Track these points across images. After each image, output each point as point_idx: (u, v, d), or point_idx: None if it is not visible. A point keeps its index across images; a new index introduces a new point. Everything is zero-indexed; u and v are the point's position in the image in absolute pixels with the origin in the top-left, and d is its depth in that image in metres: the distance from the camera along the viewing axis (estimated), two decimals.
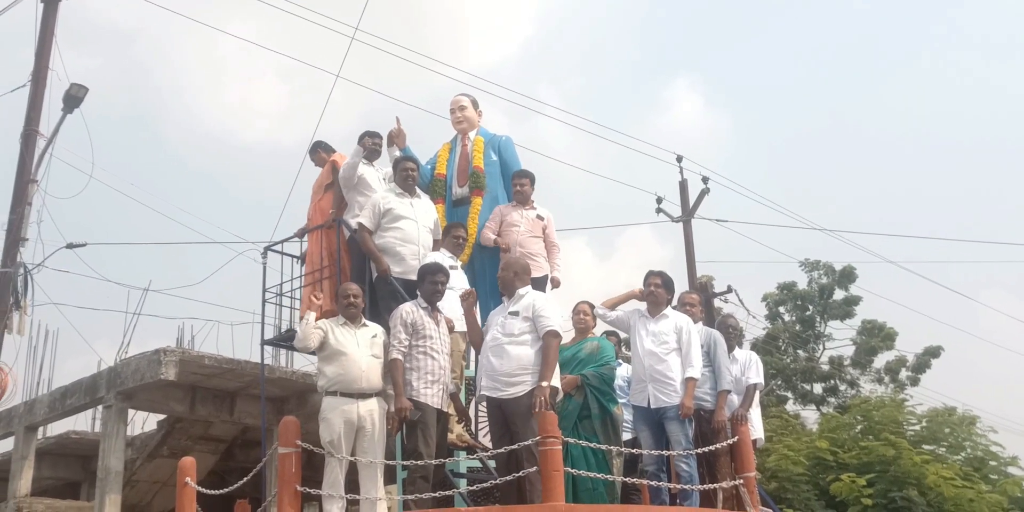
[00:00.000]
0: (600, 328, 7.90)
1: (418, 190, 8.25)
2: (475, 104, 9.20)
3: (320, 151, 9.18)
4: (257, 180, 53.90)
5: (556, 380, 6.51)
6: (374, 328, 6.78)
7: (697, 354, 7.01)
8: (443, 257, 7.61)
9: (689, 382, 6.88)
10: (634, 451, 6.84)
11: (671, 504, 6.84)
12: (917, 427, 15.23)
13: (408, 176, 8.05)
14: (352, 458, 6.31)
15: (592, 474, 6.36)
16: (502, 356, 6.46)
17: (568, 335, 7.63)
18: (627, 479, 6.78)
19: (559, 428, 6.73)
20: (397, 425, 6.41)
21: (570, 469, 6.10)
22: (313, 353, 6.79)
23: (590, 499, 6.65)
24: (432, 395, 6.43)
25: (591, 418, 6.98)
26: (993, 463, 14.64)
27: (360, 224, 7.86)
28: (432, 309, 6.76)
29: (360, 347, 6.54)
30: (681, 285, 7.81)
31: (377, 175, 8.50)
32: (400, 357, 6.43)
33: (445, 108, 9.24)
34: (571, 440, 6.40)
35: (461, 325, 7.21)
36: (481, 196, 8.73)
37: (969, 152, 53.99)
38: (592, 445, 6.56)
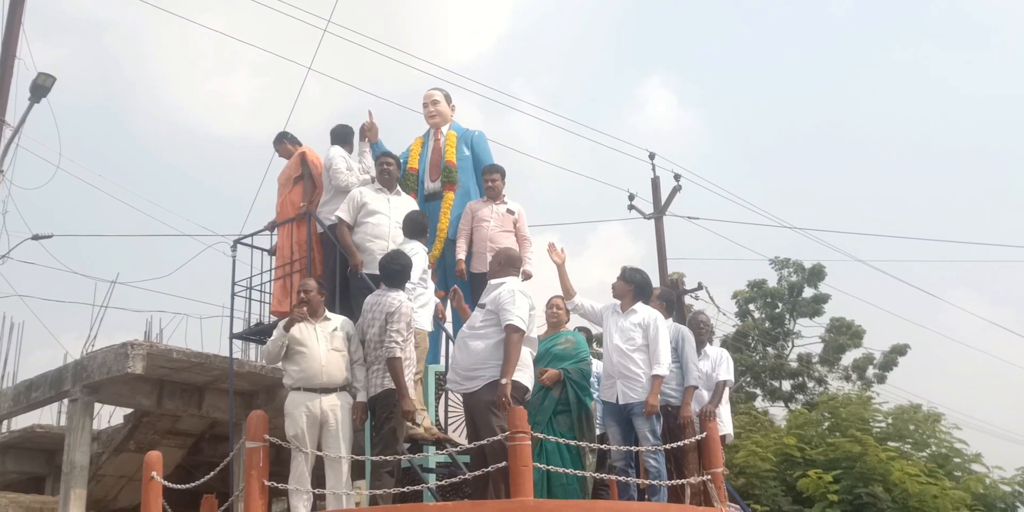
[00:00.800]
0: (574, 322, 7.90)
1: (399, 187, 8.19)
2: (448, 99, 9.18)
3: (286, 142, 9.07)
4: (228, 173, 53.54)
5: (527, 378, 6.46)
6: (336, 321, 6.71)
7: (665, 350, 6.90)
8: (423, 254, 7.53)
9: (655, 380, 6.79)
10: (603, 447, 6.85)
11: (639, 500, 6.86)
12: (883, 424, 15.41)
13: (384, 170, 7.99)
14: (317, 452, 6.28)
15: (562, 469, 6.34)
16: (463, 350, 6.45)
17: (542, 329, 7.62)
18: (595, 474, 6.78)
19: (535, 422, 6.75)
20: (362, 417, 6.41)
21: (539, 465, 6.11)
22: None
23: (564, 494, 6.64)
24: (412, 387, 6.44)
25: (568, 412, 6.98)
26: (957, 460, 14.85)
27: (338, 217, 7.81)
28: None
29: (320, 342, 6.48)
30: (653, 282, 7.71)
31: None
32: (402, 355, 6.34)
33: (420, 103, 9.21)
34: (540, 435, 6.40)
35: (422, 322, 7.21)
36: (453, 191, 8.70)
37: (940, 154, 54.64)
38: (563, 441, 6.54)
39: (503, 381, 6.12)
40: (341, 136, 8.56)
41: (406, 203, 8.12)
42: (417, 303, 7.04)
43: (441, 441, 7.04)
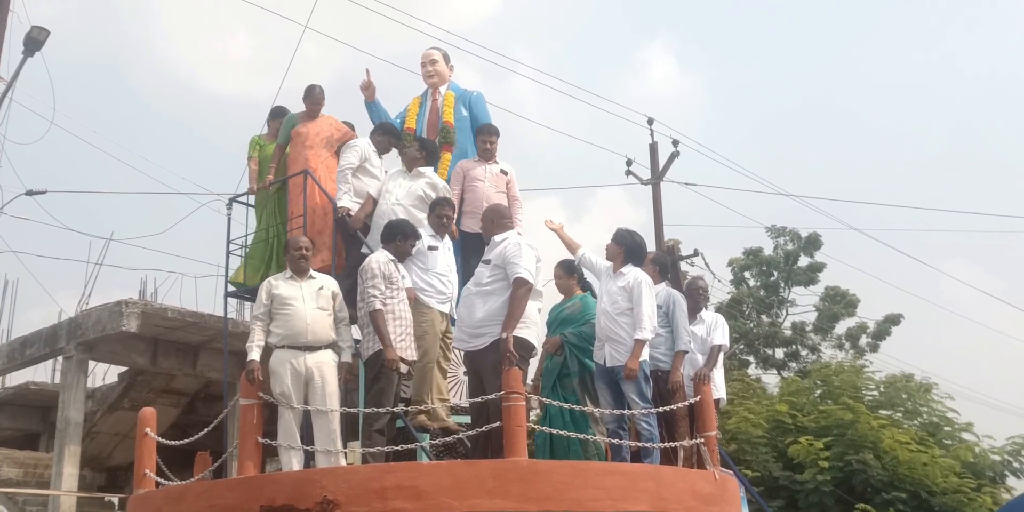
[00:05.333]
0: None
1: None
2: (446, 58, 9.07)
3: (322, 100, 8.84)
4: (226, 131, 53.22)
5: (533, 336, 6.41)
6: (321, 280, 6.65)
7: (648, 314, 6.73)
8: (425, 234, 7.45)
9: (636, 344, 6.62)
10: (596, 410, 6.82)
11: (632, 462, 6.86)
12: (875, 392, 15.47)
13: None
14: (303, 407, 6.24)
15: (554, 430, 6.31)
16: (469, 306, 6.40)
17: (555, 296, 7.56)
18: (588, 437, 6.77)
19: (541, 387, 6.71)
20: (347, 377, 6.40)
21: (535, 425, 6.09)
22: None
23: (565, 457, 6.65)
24: (405, 348, 6.40)
25: (570, 376, 6.96)
26: (948, 429, 14.91)
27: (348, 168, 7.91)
28: (398, 264, 6.69)
29: (305, 301, 6.42)
30: (649, 248, 7.59)
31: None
32: (382, 307, 6.30)
33: (419, 64, 9.09)
34: (545, 400, 6.38)
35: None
36: (450, 151, 8.61)
37: (939, 123, 54.43)
38: (566, 406, 6.50)
39: (503, 335, 6.09)
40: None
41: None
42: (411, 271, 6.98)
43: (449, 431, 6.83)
